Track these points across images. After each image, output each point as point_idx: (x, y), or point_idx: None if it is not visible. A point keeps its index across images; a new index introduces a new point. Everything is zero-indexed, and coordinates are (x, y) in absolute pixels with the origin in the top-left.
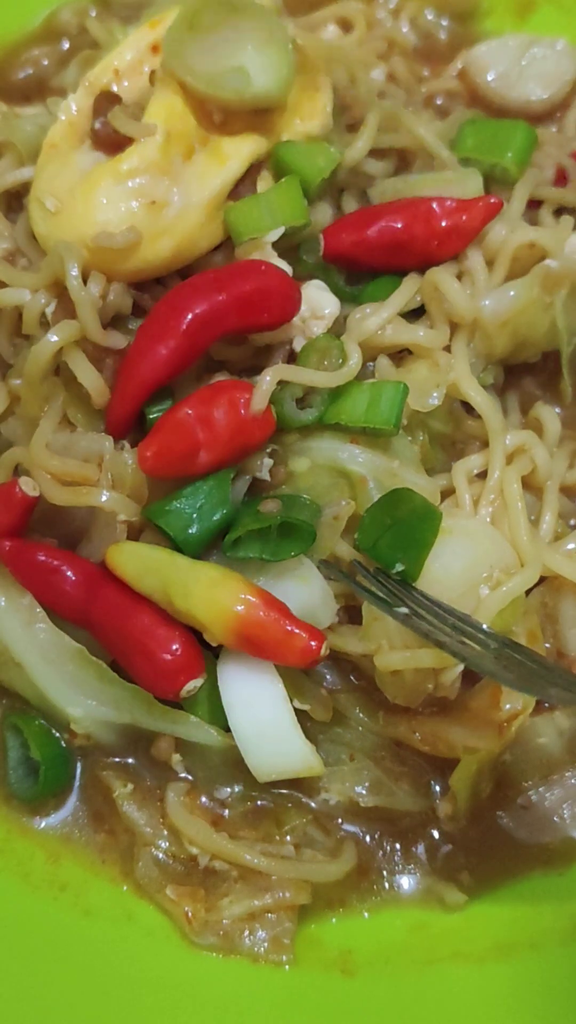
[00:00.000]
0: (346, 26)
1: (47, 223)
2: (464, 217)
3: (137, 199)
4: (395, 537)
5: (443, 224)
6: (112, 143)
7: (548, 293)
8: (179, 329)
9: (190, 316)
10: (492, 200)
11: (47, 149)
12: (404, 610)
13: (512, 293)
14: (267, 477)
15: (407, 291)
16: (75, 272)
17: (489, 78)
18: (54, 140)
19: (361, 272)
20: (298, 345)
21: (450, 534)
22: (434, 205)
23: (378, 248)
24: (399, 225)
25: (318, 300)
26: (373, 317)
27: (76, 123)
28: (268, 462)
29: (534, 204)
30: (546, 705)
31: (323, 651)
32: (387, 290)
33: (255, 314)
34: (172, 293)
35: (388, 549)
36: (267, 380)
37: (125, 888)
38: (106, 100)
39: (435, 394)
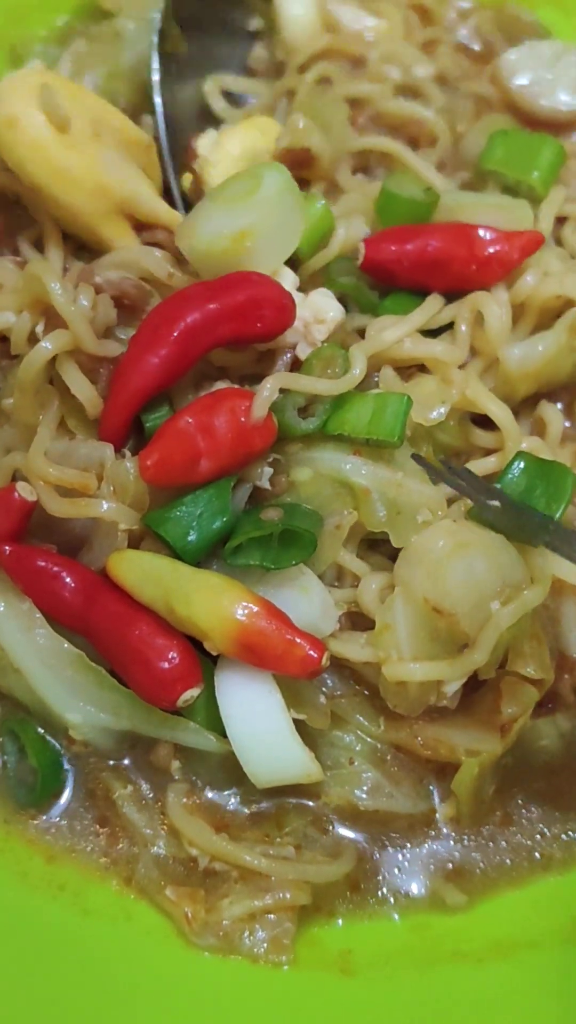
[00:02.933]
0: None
1: (20, 74)
2: (506, 247)
3: (92, 124)
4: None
5: (485, 252)
6: None
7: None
8: (170, 338)
9: (182, 325)
10: (534, 235)
11: None
12: (496, 503)
13: (541, 347)
14: (267, 486)
15: (430, 309)
16: (58, 289)
17: (520, 84)
18: None
19: (387, 287)
20: (301, 351)
21: (468, 547)
22: (480, 232)
23: (417, 264)
24: (441, 245)
25: (321, 305)
26: (393, 329)
27: None
28: (268, 471)
29: (558, 220)
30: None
31: (324, 662)
32: (405, 306)
33: (248, 324)
34: (164, 303)
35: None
36: (268, 387)
37: (124, 888)
38: None
39: (440, 408)
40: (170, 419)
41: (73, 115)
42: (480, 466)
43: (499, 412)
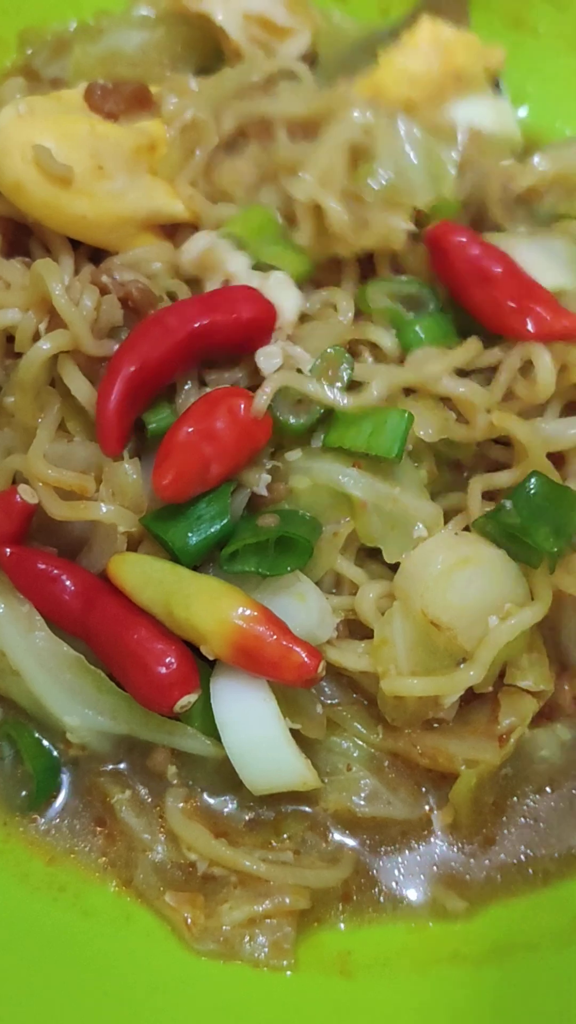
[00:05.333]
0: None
1: (5, 122)
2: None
3: (92, 157)
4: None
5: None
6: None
7: None
8: (144, 337)
9: (158, 324)
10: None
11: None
12: None
13: (573, 431)
14: (265, 493)
15: (472, 350)
16: (59, 291)
17: None
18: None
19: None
20: (266, 364)
21: (468, 562)
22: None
23: (474, 270)
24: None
25: (279, 300)
26: (434, 363)
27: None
28: (266, 477)
29: None
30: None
31: (319, 670)
32: (435, 332)
33: (224, 315)
34: (158, 313)
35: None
36: (274, 381)
37: (123, 889)
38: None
39: (429, 430)
40: (171, 432)
41: (72, 159)
42: (492, 481)
43: (530, 437)
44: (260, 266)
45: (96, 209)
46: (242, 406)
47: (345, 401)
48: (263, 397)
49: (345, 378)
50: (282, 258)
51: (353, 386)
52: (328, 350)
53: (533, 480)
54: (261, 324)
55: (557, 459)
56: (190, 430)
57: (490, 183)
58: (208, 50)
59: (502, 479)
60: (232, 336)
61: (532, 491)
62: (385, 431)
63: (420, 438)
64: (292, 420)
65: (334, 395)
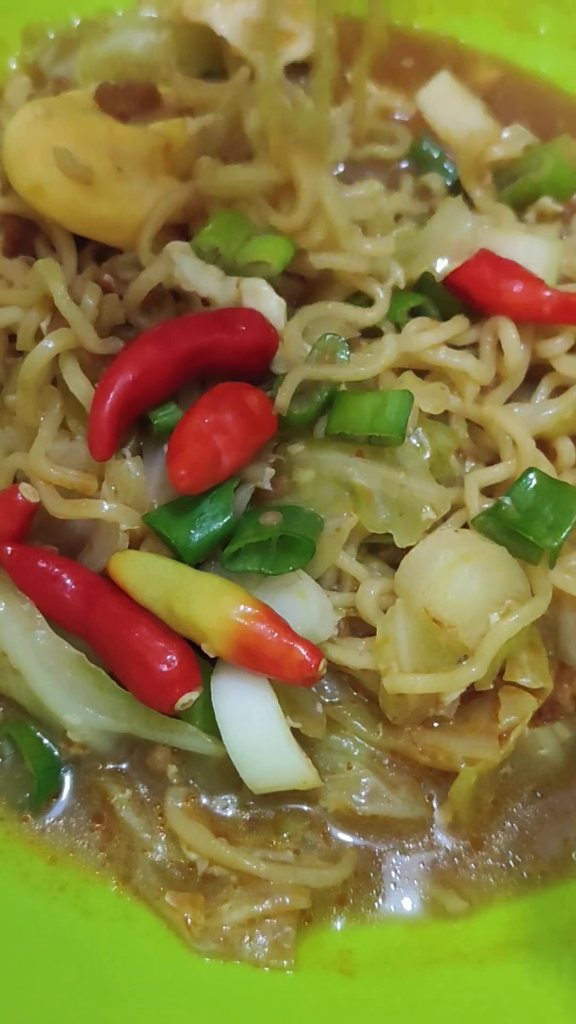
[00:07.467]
0: None
1: (23, 124)
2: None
3: (111, 158)
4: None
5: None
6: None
7: None
8: (143, 345)
9: (157, 330)
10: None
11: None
12: None
13: (549, 412)
14: (268, 487)
15: (460, 325)
16: (60, 291)
17: None
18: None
19: None
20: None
21: (469, 559)
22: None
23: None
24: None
25: (263, 306)
26: (428, 334)
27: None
28: (270, 471)
29: None
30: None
31: (320, 668)
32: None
33: (227, 333)
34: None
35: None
36: (293, 377)
37: (122, 887)
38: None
39: (434, 402)
40: (182, 424)
41: (92, 161)
42: (488, 475)
43: (517, 429)
44: (239, 270)
45: (116, 210)
46: (251, 401)
47: (363, 369)
48: (285, 394)
49: (345, 359)
50: (263, 249)
51: None
52: (325, 338)
53: (531, 476)
54: (263, 352)
55: (552, 453)
56: (206, 421)
57: None
58: (214, 55)
59: (496, 473)
60: (233, 358)
61: (530, 487)
62: (387, 412)
63: (423, 415)
64: (296, 410)
65: (352, 370)
